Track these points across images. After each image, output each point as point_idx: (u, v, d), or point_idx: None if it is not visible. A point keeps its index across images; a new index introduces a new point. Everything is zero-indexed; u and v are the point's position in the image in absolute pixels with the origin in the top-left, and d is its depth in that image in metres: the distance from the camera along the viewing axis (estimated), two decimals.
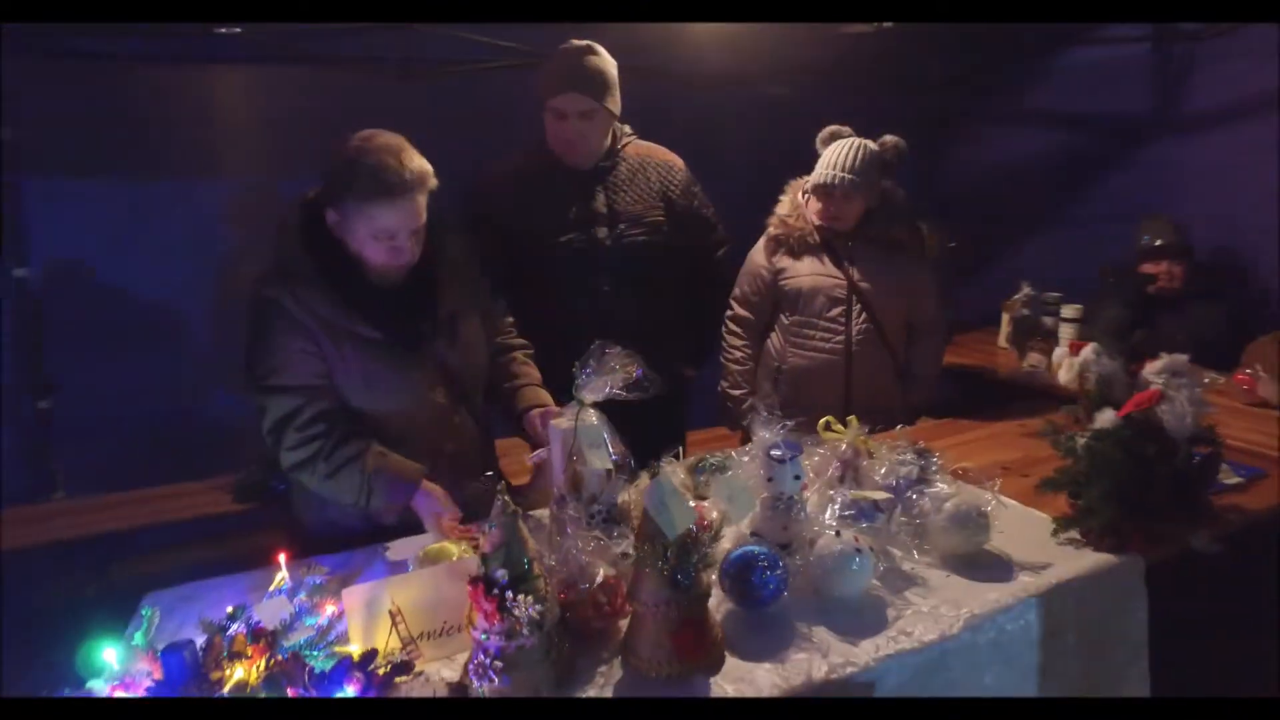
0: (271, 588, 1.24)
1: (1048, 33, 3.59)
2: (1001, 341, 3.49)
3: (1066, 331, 3.20)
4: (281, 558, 1.27)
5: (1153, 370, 1.68)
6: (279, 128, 3.08)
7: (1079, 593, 1.42)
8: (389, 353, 1.61)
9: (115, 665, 1.10)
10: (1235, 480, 1.82)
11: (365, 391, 1.60)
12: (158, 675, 1.01)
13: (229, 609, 1.15)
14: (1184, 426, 1.59)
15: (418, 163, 1.53)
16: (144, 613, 1.14)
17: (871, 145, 2.29)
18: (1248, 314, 2.98)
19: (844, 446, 1.64)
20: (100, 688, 1.04)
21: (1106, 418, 1.64)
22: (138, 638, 1.13)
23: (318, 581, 1.28)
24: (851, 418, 1.69)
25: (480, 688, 1.10)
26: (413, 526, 1.61)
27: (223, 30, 2.82)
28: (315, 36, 2.92)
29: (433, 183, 1.57)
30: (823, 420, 1.70)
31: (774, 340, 2.51)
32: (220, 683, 0.99)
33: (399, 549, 1.55)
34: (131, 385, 2.96)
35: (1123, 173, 3.69)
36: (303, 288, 1.54)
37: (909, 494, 1.55)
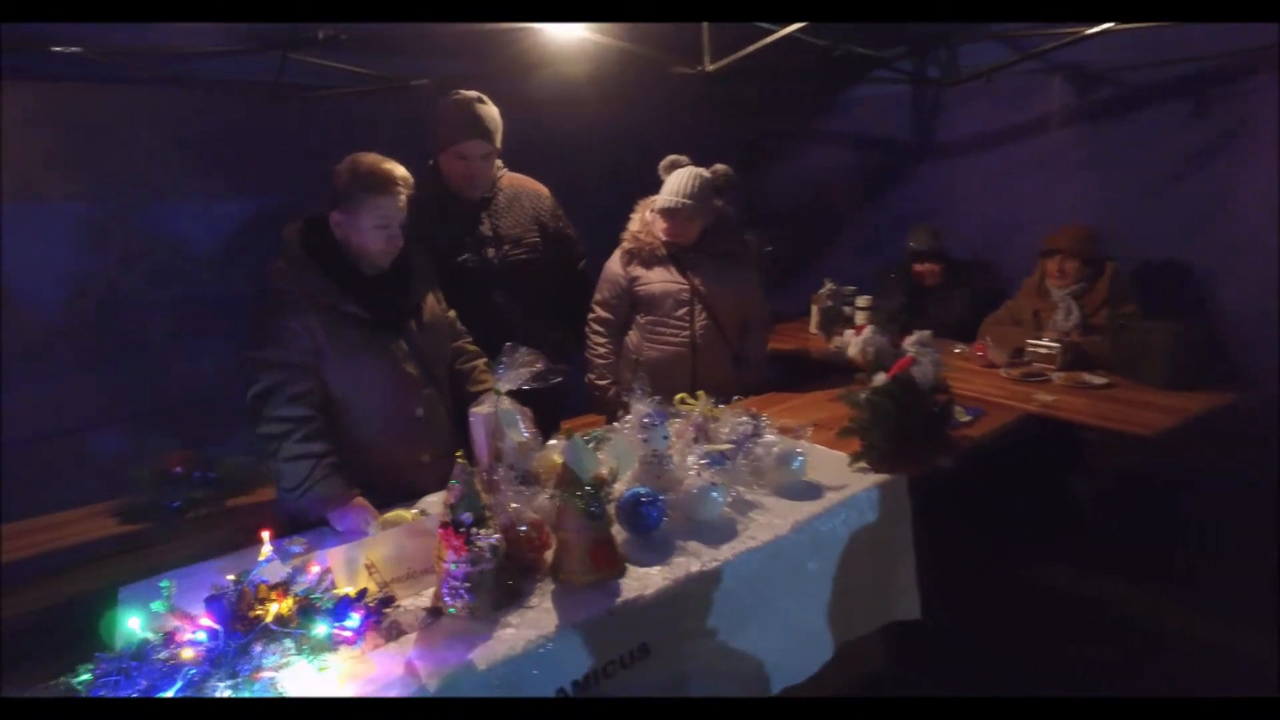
0: (260, 558, 1.50)
1: (836, 68, 4.35)
2: (812, 328, 4.18)
3: (861, 318, 3.95)
4: (265, 535, 1.54)
5: (908, 342, 2.33)
6: (151, 148, 3.13)
7: (867, 502, 2.02)
8: (372, 330, 1.97)
9: (139, 631, 1.35)
10: (966, 419, 2.53)
11: (350, 363, 1.94)
12: (205, 621, 1.28)
13: (230, 576, 1.42)
14: (929, 381, 2.25)
15: (400, 168, 1.97)
16: (162, 585, 1.38)
17: (705, 173, 2.78)
18: (989, 298, 3.83)
19: (696, 414, 2.14)
20: (154, 640, 1.28)
21: (880, 379, 2.26)
22: (157, 605, 1.37)
23: (298, 550, 1.57)
24: (700, 392, 2.19)
25: (452, 605, 1.47)
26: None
27: (58, 49, 2.82)
28: (188, 59, 3.00)
29: (411, 185, 1.99)
30: (678, 396, 2.19)
31: (631, 337, 2.96)
32: (259, 620, 1.28)
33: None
34: None
35: (900, 186, 4.57)
36: (306, 275, 1.89)
37: (746, 445, 2.07)
